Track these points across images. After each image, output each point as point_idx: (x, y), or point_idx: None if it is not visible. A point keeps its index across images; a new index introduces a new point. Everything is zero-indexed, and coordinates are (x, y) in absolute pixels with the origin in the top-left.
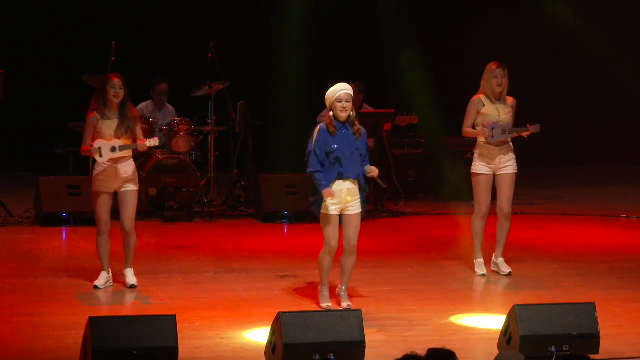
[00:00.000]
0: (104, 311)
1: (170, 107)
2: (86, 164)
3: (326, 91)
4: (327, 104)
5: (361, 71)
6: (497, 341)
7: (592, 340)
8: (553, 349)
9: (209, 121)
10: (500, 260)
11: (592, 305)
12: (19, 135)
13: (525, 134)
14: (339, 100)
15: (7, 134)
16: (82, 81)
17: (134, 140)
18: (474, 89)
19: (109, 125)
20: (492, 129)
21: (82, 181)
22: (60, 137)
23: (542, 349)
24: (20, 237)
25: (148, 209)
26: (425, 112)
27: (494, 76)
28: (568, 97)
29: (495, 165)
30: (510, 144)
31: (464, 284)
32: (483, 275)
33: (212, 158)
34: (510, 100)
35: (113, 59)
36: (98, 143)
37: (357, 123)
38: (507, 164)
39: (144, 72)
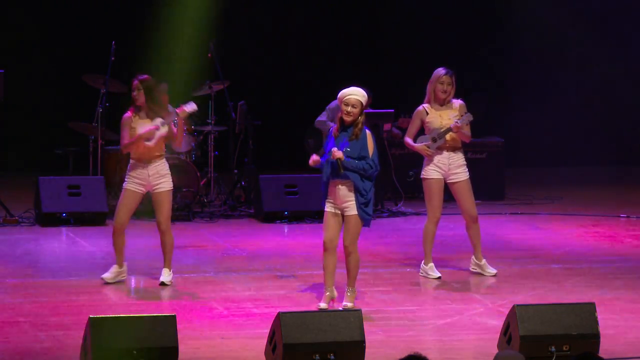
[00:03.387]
0: (104, 311)
1: (170, 107)
2: (86, 164)
3: (327, 91)
4: (339, 102)
5: (363, 72)
6: (497, 341)
7: (592, 340)
8: (553, 349)
9: (209, 121)
10: (484, 262)
11: (592, 305)
12: (19, 135)
13: (454, 128)
14: (346, 104)
15: (7, 134)
16: (82, 81)
17: (170, 136)
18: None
19: (143, 125)
20: (427, 144)
21: (82, 181)
22: (60, 137)
23: (542, 349)
24: (20, 237)
25: (148, 209)
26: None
27: (440, 82)
28: (567, 96)
29: (445, 171)
30: (461, 152)
31: (463, 283)
32: (439, 277)
33: (212, 158)
34: (456, 103)
35: (113, 58)
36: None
37: (358, 130)
38: (458, 171)
39: (144, 72)
